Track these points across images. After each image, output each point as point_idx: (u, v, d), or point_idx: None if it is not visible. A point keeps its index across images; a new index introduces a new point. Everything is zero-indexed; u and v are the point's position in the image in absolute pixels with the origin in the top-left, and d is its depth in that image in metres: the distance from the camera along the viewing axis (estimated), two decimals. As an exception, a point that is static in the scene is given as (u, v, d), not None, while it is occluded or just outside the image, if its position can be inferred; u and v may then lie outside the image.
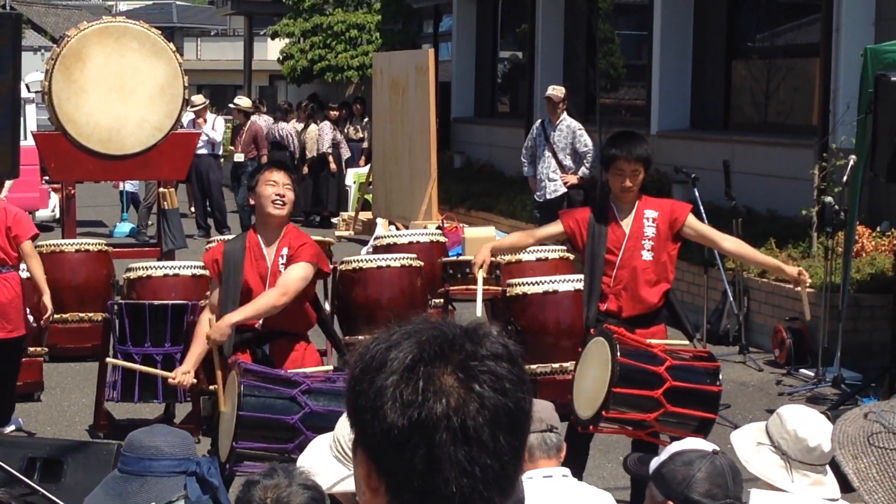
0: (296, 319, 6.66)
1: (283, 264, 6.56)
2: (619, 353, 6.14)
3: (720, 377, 6.48)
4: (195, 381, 6.87)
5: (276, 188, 6.53)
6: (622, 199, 6.74)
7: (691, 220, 6.83)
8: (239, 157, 20.16)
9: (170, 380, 6.81)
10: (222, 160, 20.85)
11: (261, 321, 6.61)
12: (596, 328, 6.52)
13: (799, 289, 6.83)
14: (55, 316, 10.72)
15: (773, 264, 7.14)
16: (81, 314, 10.90)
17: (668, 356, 6.34)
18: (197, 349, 6.63)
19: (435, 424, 1.71)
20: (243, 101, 20.82)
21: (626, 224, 6.73)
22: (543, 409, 4.43)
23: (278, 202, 6.52)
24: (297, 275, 6.46)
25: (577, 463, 4.49)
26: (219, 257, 6.68)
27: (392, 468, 1.75)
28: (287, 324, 6.64)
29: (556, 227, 6.97)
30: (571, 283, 9.00)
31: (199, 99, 20.01)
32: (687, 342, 6.79)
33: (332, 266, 9.04)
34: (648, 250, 6.69)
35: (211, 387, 7.69)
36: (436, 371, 1.73)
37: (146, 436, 3.93)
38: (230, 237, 8.44)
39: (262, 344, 6.65)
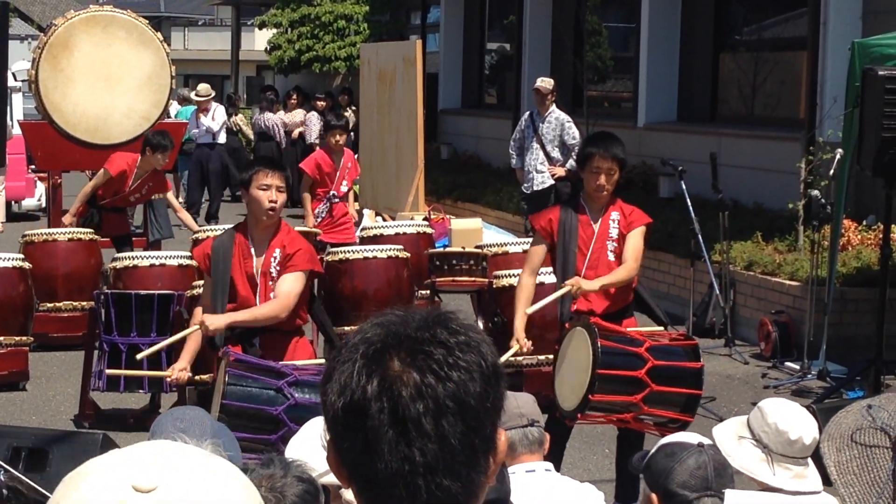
0: (290, 320, 6.62)
1: (275, 267, 6.53)
2: (599, 337, 6.23)
3: (700, 353, 6.56)
4: (191, 375, 6.85)
5: (268, 193, 6.48)
6: (595, 199, 6.80)
7: (637, 232, 6.83)
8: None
9: (167, 378, 6.79)
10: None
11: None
12: (571, 322, 6.57)
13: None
14: (47, 305, 10.74)
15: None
16: (74, 303, 10.82)
17: (647, 338, 6.46)
18: (191, 345, 6.64)
19: (365, 406, 1.72)
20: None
21: (596, 224, 6.81)
22: (525, 404, 4.41)
23: (271, 210, 6.49)
24: (296, 288, 6.49)
25: (552, 458, 4.49)
26: (209, 252, 6.64)
27: (342, 451, 1.77)
28: (281, 324, 6.61)
29: (536, 243, 6.99)
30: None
31: (204, 90, 19.74)
32: (661, 328, 6.85)
33: (318, 258, 9.01)
34: (612, 251, 6.78)
35: (198, 377, 7.68)
36: (384, 357, 1.74)
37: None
38: (218, 230, 8.41)
39: (253, 338, 6.61)
